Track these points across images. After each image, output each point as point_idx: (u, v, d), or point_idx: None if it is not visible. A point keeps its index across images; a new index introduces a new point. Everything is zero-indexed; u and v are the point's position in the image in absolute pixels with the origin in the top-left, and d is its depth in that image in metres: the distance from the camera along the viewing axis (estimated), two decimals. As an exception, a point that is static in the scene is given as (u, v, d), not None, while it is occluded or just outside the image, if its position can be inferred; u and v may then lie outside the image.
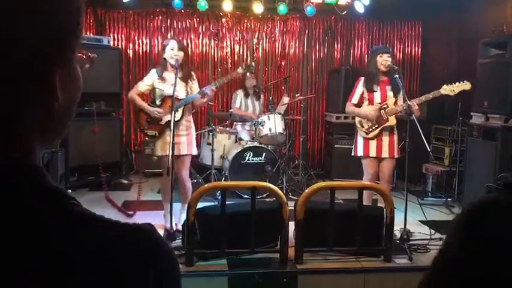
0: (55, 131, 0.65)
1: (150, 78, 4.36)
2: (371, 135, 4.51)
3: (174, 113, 4.06)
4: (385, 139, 4.51)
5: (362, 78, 4.64)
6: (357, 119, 4.63)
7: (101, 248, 0.57)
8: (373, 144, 4.53)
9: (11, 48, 0.56)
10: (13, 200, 0.56)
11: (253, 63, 4.67)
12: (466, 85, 4.33)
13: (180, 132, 4.32)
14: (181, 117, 4.30)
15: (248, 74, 6.63)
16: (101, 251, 0.57)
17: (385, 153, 4.51)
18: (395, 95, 4.50)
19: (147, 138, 4.53)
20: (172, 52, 4.22)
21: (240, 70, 4.63)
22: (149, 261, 0.60)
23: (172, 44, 4.25)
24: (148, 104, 4.41)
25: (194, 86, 4.43)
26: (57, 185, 0.60)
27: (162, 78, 4.32)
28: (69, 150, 5.82)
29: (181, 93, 4.30)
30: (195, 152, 4.53)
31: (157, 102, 4.37)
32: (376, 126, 4.48)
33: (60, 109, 0.62)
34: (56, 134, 0.65)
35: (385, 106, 4.47)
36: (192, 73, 4.52)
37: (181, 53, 4.26)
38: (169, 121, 4.18)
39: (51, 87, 0.60)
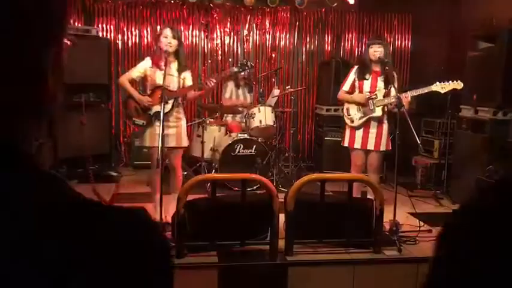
0: (43, 116, 0.63)
1: (144, 66, 4.31)
2: (356, 124, 4.53)
3: (164, 104, 4.00)
4: (373, 131, 4.53)
5: (355, 67, 4.70)
6: (345, 107, 4.66)
7: (98, 233, 0.56)
8: (359, 135, 4.55)
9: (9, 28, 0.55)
10: (12, 186, 0.55)
11: (250, 63, 4.59)
12: (457, 84, 4.36)
13: (170, 124, 4.27)
14: (171, 109, 4.26)
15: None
16: (99, 236, 0.56)
17: (370, 146, 4.53)
18: (387, 87, 4.52)
19: (133, 126, 4.47)
20: (165, 40, 4.17)
21: (235, 69, 4.59)
22: (145, 247, 0.59)
23: (166, 32, 4.20)
24: (139, 92, 4.36)
25: (187, 77, 4.36)
26: (52, 171, 0.60)
27: (156, 66, 4.26)
28: (58, 141, 5.76)
29: (173, 84, 4.25)
30: (185, 144, 4.45)
31: (148, 91, 4.33)
32: (362, 115, 4.51)
33: (49, 93, 0.60)
34: (44, 120, 0.64)
35: (374, 96, 4.50)
36: (187, 65, 4.48)
37: (176, 41, 4.20)
38: (157, 112, 4.14)
39: (44, 69, 0.58)
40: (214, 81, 4.32)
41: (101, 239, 0.56)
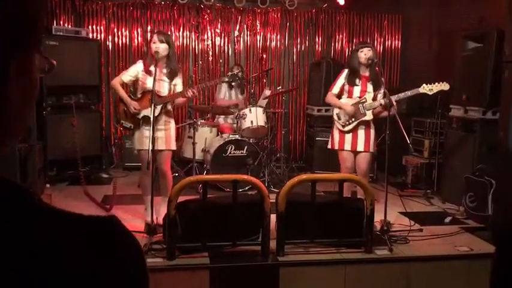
0: (8, 133, 0.59)
1: (135, 70, 4.32)
2: (347, 128, 4.54)
3: (154, 108, 4.00)
4: (361, 132, 4.54)
5: (346, 70, 4.67)
6: (335, 111, 4.66)
7: (63, 242, 0.55)
8: (348, 137, 4.56)
9: None
10: None
11: (240, 74, 4.62)
12: (444, 85, 4.39)
13: (158, 127, 4.25)
14: (159, 114, 4.25)
15: (235, 67, 6.60)
16: (63, 244, 0.55)
17: (360, 147, 4.54)
18: (375, 90, 4.53)
19: (121, 129, 4.48)
20: (153, 45, 4.18)
21: (225, 79, 4.61)
22: (109, 252, 0.58)
23: (154, 38, 4.22)
24: (129, 96, 4.36)
25: (178, 83, 4.36)
26: (17, 181, 0.57)
27: (147, 71, 4.26)
28: (48, 143, 5.73)
29: (164, 89, 4.26)
30: (173, 147, 4.45)
31: (138, 95, 4.33)
32: (353, 119, 4.52)
33: (13, 111, 0.56)
34: (10, 137, 0.60)
35: (364, 100, 4.51)
36: (179, 71, 4.45)
37: (164, 46, 4.19)
38: (145, 116, 4.15)
39: (4, 85, 0.54)
40: (195, 92, 4.30)
41: (69, 250, 0.55)
